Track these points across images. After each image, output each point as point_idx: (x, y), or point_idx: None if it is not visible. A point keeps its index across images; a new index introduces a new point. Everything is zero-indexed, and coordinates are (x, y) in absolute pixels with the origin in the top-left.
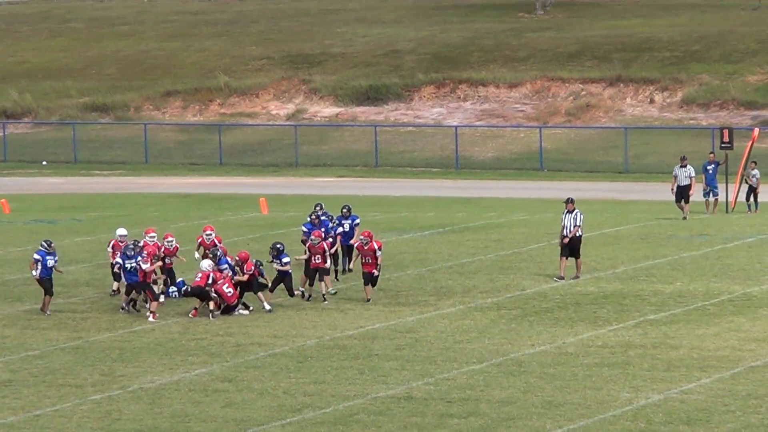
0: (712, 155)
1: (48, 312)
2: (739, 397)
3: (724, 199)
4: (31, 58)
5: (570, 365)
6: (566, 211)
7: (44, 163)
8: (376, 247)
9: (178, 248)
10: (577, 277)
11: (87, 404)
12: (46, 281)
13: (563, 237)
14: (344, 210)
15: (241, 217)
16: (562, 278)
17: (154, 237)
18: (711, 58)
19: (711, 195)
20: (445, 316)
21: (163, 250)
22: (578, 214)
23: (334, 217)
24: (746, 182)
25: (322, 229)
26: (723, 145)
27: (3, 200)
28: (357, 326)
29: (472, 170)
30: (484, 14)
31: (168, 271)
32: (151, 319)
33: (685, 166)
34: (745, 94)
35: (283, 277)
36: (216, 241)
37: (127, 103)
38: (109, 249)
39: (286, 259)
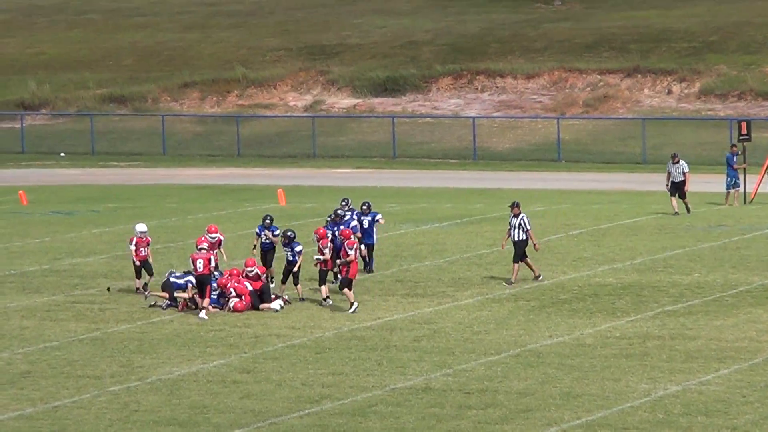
0: (734, 147)
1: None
2: (757, 388)
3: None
4: (49, 50)
5: (588, 356)
6: (512, 215)
7: (62, 154)
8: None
9: (221, 241)
10: (537, 276)
11: (105, 395)
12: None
13: (506, 240)
14: (364, 206)
15: (259, 208)
16: (511, 282)
17: (216, 235)
18: (728, 49)
19: (734, 187)
20: (463, 307)
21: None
22: (524, 218)
23: (351, 213)
24: None
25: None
26: (741, 137)
27: (21, 192)
28: (375, 317)
29: (489, 161)
30: (501, 5)
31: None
32: (202, 315)
33: (677, 163)
34: (763, 84)
35: (292, 266)
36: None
37: (144, 95)
38: (132, 247)
39: (298, 248)
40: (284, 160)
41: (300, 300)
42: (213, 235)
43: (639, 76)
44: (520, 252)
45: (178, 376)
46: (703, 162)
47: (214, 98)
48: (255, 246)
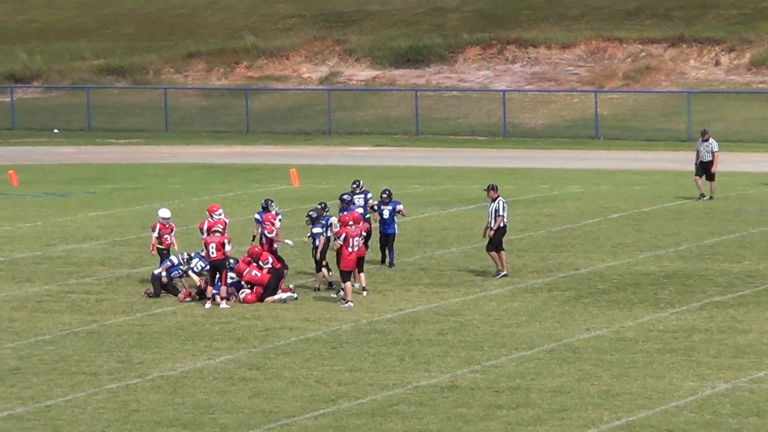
0: None
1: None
2: None
3: None
4: (42, 17)
5: (629, 351)
6: (491, 200)
7: (56, 131)
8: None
9: (226, 224)
10: (499, 272)
11: (102, 394)
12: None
13: (486, 229)
14: (384, 195)
15: (269, 189)
16: (504, 274)
17: (221, 214)
18: None
19: None
20: (493, 298)
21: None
22: (501, 202)
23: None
24: None
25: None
26: None
27: (11, 171)
28: (396, 309)
29: (521, 138)
30: None
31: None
32: (224, 305)
33: (707, 140)
34: None
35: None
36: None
37: (145, 66)
38: (154, 234)
39: (317, 230)
40: (297, 138)
41: (315, 289)
42: (216, 213)
43: (684, 45)
44: (496, 240)
45: (182, 373)
46: (754, 139)
47: (221, 70)
48: (254, 237)
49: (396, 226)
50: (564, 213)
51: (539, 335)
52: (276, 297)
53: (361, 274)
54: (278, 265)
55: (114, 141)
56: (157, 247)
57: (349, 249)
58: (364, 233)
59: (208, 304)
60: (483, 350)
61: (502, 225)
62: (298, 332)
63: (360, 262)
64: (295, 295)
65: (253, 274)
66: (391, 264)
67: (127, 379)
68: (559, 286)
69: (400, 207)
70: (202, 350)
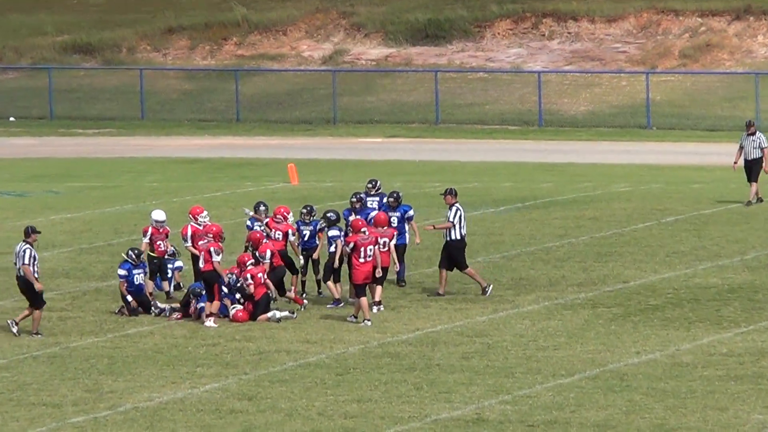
0: None
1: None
2: None
3: None
4: None
5: (686, 378)
6: (448, 206)
7: (12, 119)
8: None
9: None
10: (485, 289)
11: (66, 429)
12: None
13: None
14: (390, 199)
15: (264, 188)
16: (488, 286)
17: (207, 217)
18: None
19: None
20: (526, 316)
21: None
22: (457, 210)
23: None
24: None
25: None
26: None
27: None
28: (413, 329)
29: (559, 128)
30: None
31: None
32: (210, 323)
33: (753, 134)
34: None
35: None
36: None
37: (117, 43)
38: (145, 239)
39: (333, 232)
40: (297, 127)
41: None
42: (201, 215)
43: (751, 18)
44: (453, 256)
45: (160, 404)
46: None
47: (207, 47)
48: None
49: (407, 235)
50: (610, 216)
51: (580, 360)
52: (270, 314)
53: (378, 287)
54: (279, 263)
55: (81, 131)
56: (148, 255)
57: (361, 259)
58: (386, 239)
59: (209, 322)
60: (514, 377)
61: (458, 237)
62: (297, 356)
63: (380, 272)
64: (295, 315)
65: (248, 266)
66: (399, 281)
67: (95, 411)
68: (605, 302)
69: (411, 213)
70: (184, 377)
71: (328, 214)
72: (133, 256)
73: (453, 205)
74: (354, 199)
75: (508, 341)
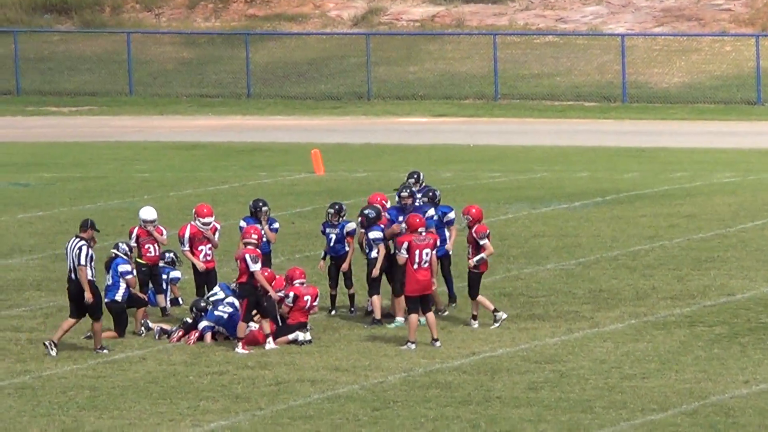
0: None
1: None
2: None
3: None
4: None
5: None
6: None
7: None
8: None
9: (216, 230)
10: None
11: None
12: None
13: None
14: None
15: (282, 179)
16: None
17: (211, 223)
18: None
19: None
20: (608, 337)
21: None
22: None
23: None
24: None
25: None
26: None
27: None
28: (467, 353)
29: (648, 104)
30: None
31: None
32: (240, 350)
33: None
34: None
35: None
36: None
37: (99, 1)
38: (132, 243)
39: (375, 234)
40: (322, 104)
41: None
42: (206, 219)
43: None
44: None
45: None
46: None
47: (210, 6)
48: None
49: (449, 245)
50: (711, 213)
51: (675, 390)
52: (292, 336)
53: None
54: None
55: (54, 109)
56: (137, 261)
57: (415, 265)
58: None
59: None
60: (594, 413)
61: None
62: (324, 387)
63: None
64: (308, 337)
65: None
66: (451, 297)
67: None
68: (705, 320)
69: (451, 216)
70: (185, 413)
71: (366, 211)
72: (126, 250)
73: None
74: (405, 193)
75: (586, 368)
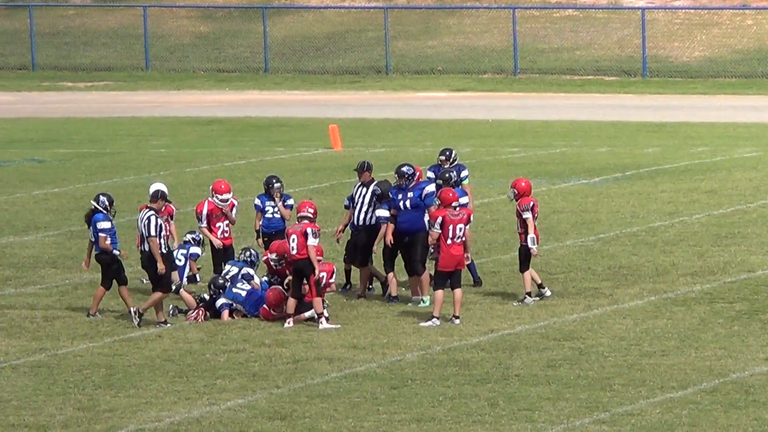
0: None
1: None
2: None
3: None
4: None
5: None
6: (359, 184)
7: None
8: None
9: (234, 206)
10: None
11: None
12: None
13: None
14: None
15: (300, 155)
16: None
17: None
18: None
19: None
20: (627, 314)
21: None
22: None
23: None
24: None
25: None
26: None
27: None
28: (485, 330)
29: (668, 79)
30: None
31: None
32: (325, 325)
33: None
34: None
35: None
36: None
37: None
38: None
39: (383, 212)
40: (339, 79)
41: (389, 298)
42: (224, 196)
43: None
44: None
45: (171, 425)
46: None
47: None
48: (259, 232)
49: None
50: (732, 188)
51: (695, 368)
52: (308, 313)
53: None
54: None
55: (70, 84)
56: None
57: (449, 240)
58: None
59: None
60: (613, 390)
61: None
62: (342, 365)
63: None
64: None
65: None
66: (475, 280)
67: None
68: (725, 297)
69: (466, 173)
70: (201, 392)
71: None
72: (106, 204)
73: (370, 183)
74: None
75: (605, 346)
